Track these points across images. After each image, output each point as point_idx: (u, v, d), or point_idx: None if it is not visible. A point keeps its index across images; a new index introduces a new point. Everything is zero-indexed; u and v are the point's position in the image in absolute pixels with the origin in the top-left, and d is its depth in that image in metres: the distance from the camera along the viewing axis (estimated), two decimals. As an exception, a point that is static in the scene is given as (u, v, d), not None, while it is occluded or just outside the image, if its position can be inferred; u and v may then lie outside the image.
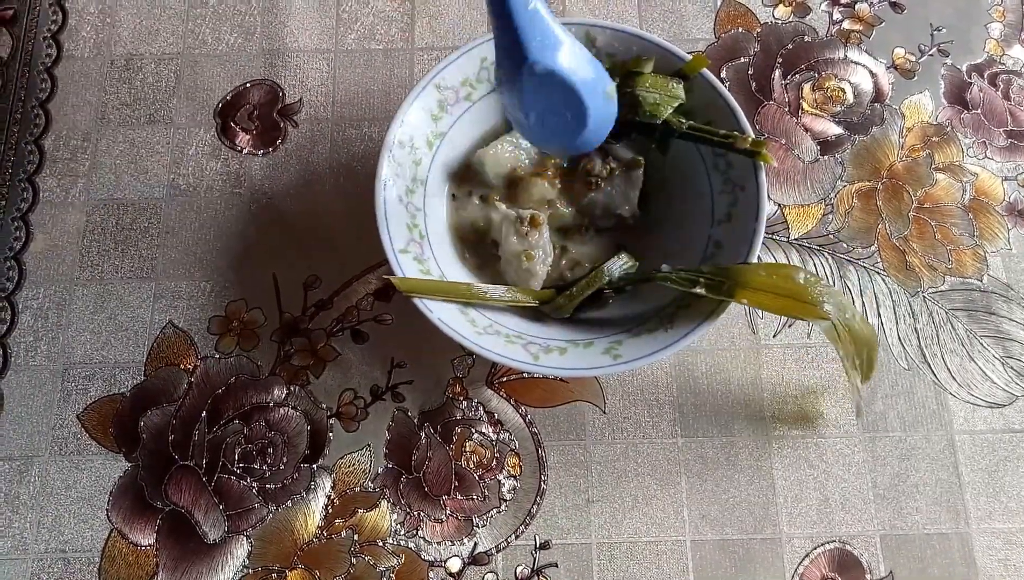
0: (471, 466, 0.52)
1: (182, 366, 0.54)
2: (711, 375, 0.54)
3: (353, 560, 0.50)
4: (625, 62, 0.52)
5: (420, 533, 0.50)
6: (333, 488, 0.51)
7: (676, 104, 0.50)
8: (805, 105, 0.62)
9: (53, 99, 0.62)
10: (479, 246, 0.53)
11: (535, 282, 0.51)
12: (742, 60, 0.63)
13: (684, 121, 0.50)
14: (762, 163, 0.48)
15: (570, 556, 0.50)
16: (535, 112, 0.42)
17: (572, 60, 0.40)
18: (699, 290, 0.46)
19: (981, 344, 0.55)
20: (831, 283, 0.56)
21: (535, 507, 0.51)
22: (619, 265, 0.50)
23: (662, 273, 0.48)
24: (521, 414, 0.53)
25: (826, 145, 0.60)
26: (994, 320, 0.56)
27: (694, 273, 0.46)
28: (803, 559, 0.50)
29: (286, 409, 0.53)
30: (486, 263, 0.53)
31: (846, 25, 0.64)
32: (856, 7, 0.65)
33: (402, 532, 0.50)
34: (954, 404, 0.54)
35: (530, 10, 0.38)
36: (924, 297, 0.56)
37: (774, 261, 0.57)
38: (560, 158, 0.53)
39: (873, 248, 0.58)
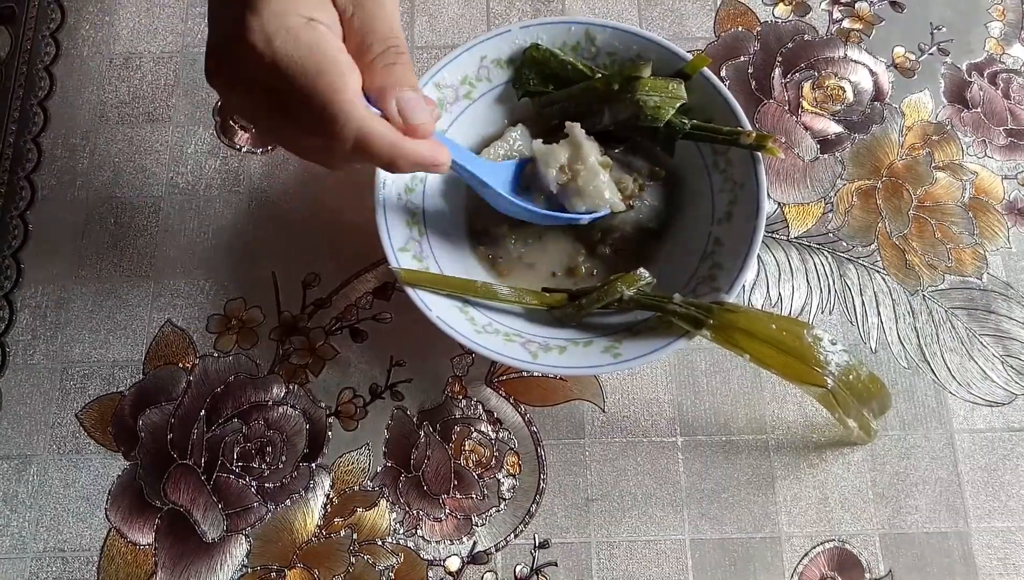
0: (470, 465, 0.52)
1: (181, 365, 0.54)
2: (711, 374, 0.54)
3: (352, 559, 0.50)
4: (625, 63, 0.52)
5: (419, 532, 0.50)
6: (332, 487, 0.51)
7: (678, 104, 0.50)
8: (805, 104, 0.62)
9: (52, 97, 0.62)
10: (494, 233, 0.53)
11: (614, 197, 0.50)
12: (742, 59, 0.63)
13: (687, 121, 0.50)
14: (761, 163, 0.48)
15: (569, 555, 0.50)
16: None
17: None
18: (704, 333, 0.45)
19: (981, 343, 0.55)
20: (831, 283, 0.56)
21: (534, 506, 0.51)
22: (638, 284, 0.48)
23: (672, 305, 0.46)
24: (520, 413, 0.53)
25: (826, 144, 0.60)
26: (994, 319, 0.56)
27: (704, 310, 0.45)
28: (802, 558, 0.50)
29: (285, 408, 0.53)
30: (496, 254, 0.53)
31: (846, 24, 0.64)
32: (856, 6, 0.65)
33: (401, 531, 0.50)
34: (954, 403, 0.54)
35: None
36: (924, 296, 0.56)
37: (782, 315, 0.48)
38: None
39: (873, 247, 0.57)
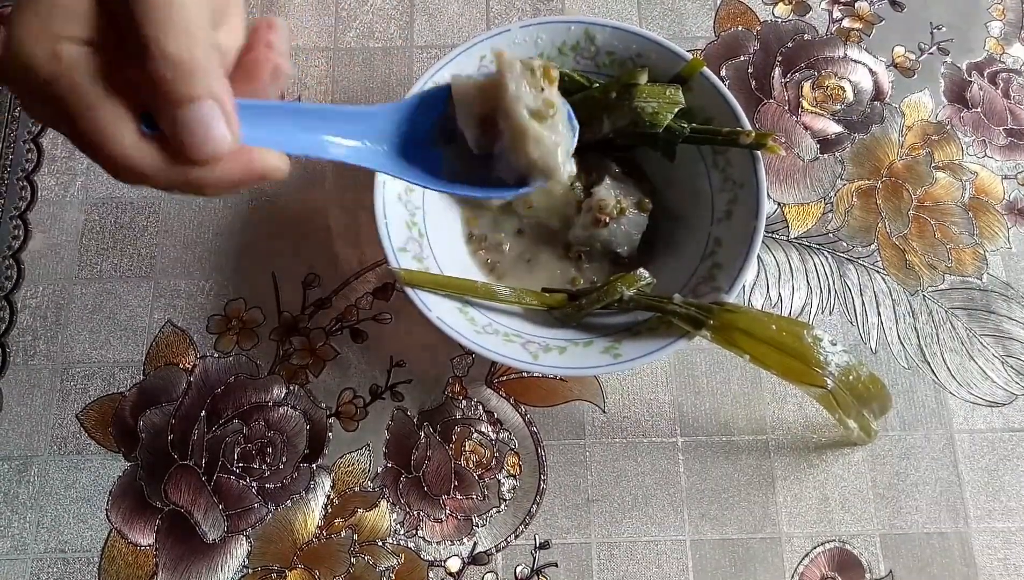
0: (470, 465, 0.52)
1: (181, 365, 0.54)
2: (711, 374, 0.54)
3: (353, 560, 0.50)
4: (625, 62, 0.52)
5: (420, 533, 0.50)
6: (333, 487, 0.51)
7: (676, 109, 0.50)
8: (805, 103, 0.62)
9: (51, 97, 0.62)
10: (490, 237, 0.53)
11: (560, 153, 0.40)
12: (742, 58, 0.63)
13: (685, 125, 0.50)
14: (761, 163, 0.48)
15: (570, 556, 0.50)
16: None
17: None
18: (704, 334, 0.45)
19: (981, 343, 0.55)
20: (831, 283, 0.56)
21: (535, 507, 0.51)
22: (637, 284, 0.48)
23: (672, 306, 0.46)
24: (521, 413, 0.53)
25: (826, 143, 0.60)
26: (994, 319, 0.56)
27: (704, 311, 0.45)
28: (803, 558, 0.50)
29: (285, 408, 0.53)
30: (495, 259, 0.53)
31: (846, 23, 0.64)
32: (856, 5, 0.65)
33: (402, 532, 0.50)
34: (954, 403, 0.54)
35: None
36: (924, 296, 0.56)
37: (782, 315, 0.48)
38: None
39: (873, 247, 0.57)
